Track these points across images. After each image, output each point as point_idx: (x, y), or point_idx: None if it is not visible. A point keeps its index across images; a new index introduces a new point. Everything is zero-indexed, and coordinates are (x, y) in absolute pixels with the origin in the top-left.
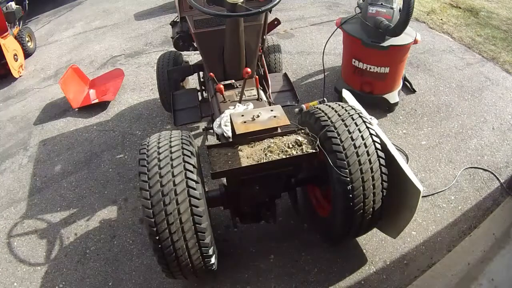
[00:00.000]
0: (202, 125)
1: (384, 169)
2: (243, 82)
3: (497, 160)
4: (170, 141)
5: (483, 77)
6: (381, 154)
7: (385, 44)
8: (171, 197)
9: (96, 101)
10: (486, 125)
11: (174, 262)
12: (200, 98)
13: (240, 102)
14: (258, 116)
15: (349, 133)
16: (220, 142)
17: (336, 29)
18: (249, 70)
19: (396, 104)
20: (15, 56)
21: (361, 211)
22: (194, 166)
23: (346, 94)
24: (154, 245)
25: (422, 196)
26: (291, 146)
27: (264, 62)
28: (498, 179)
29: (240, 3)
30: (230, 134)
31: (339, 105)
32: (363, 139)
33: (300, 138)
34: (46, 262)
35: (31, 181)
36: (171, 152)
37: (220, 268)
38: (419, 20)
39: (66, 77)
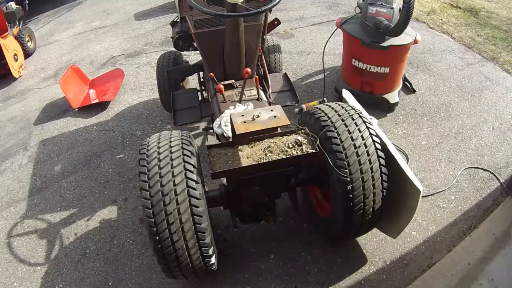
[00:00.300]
0: (202, 125)
1: (384, 169)
2: (243, 82)
3: (497, 160)
4: (170, 141)
5: (483, 77)
6: (381, 154)
7: (385, 44)
8: (171, 197)
9: (96, 101)
10: (486, 125)
11: (174, 262)
12: (200, 98)
13: (240, 102)
14: (258, 116)
15: (349, 133)
16: (220, 142)
17: (336, 29)
18: (249, 70)
19: (396, 104)
20: (15, 56)
21: (361, 211)
22: (194, 166)
23: (346, 94)
24: (154, 245)
25: (422, 196)
26: (291, 146)
27: (264, 62)
28: (498, 179)
29: (240, 3)
30: (230, 134)
31: (339, 105)
32: (363, 139)
33: (300, 138)
34: (46, 262)
35: (31, 181)
36: (171, 152)
37: (220, 268)
38: (419, 20)
39: (66, 77)
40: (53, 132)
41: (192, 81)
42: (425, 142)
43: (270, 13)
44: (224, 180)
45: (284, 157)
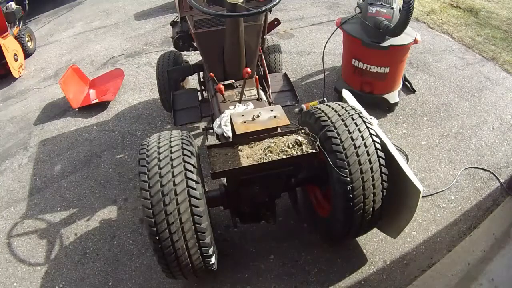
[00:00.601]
0: (202, 125)
1: (384, 169)
2: (243, 82)
3: (497, 160)
4: (170, 141)
5: (483, 77)
6: (381, 154)
7: (385, 44)
8: (171, 197)
9: (96, 101)
10: (486, 125)
11: (174, 262)
12: (200, 98)
13: (240, 102)
14: (258, 116)
15: (349, 133)
16: (220, 142)
17: (336, 29)
18: (249, 70)
19: (396, 104)
20: (15, 56)
21: (361, 211)
22: (194, 166)
23: (346, 94)
24: (154, 245)
25: (422, 196)
26: (291, 146)
27: (264, 62)
28: (498, 179)
29: (240, 3)
30: (230, 134)
31: (339, 105)
32: (363, 139)
33: (300, 138)
34: (46, 262)
35: (31, 181)
36: (171, 152)
37: (220, 268)
38: (419, 20)
39: (66, 77)
40: (53, 132)
41: (192, 81)
42: (425, 142)
43: (270, 13)
44: (224, 180)
45: (284, 157)
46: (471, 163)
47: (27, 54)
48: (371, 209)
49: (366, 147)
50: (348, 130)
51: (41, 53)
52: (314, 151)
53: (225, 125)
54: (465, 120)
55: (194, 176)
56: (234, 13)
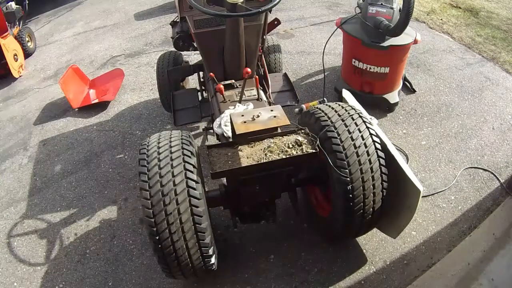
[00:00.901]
0: (202, 125)
1: (384, 169)
2: (243, 82)
3: (497, 160)
4: (170, 141)
5: (483, 77)
6: (381, 154)
7: (385, 44)
8: (171, 197)
9: (96, 101)
10: (486, 125)
11: (174, 262)
12: (200, 98)
13: (240, 102)
14: (258, 116)
15: (349, 133)
16: (220, 142)
17: (336, 29)
18: (249, 70)
19: (396, 104)
20: (15, 56)
21: (361, 211)
22: (194, 166)
23: (346, 94)
24: (154, 245)
25: (422, 196)
26: (291, 146)
27: (264, 62)
28: (498, 179)
29: (240, 3)
30: (230, 134)
31: (339, 105)
32: (363, 139)
33: (300, 138)
34: (46, 262)
35: (31, 181)
36: (171, 152)
37: (220, 268)
38: (419, 20)
39: (66, 77)
40: (53, 132)
41: (192, 81)
42: (425, 142)
43: (270, 13)
44: (224, 180)
45: (284, 157)
46: (471, 163)
47: (27, 54)
48: (371, 209)
49: (366, 147)
50: (348, 130)
51: (41, 53)
52: (314, 151)
53: (225, 125)
54: (465, 120)
55: (194, 176)
56: (234, 13)
